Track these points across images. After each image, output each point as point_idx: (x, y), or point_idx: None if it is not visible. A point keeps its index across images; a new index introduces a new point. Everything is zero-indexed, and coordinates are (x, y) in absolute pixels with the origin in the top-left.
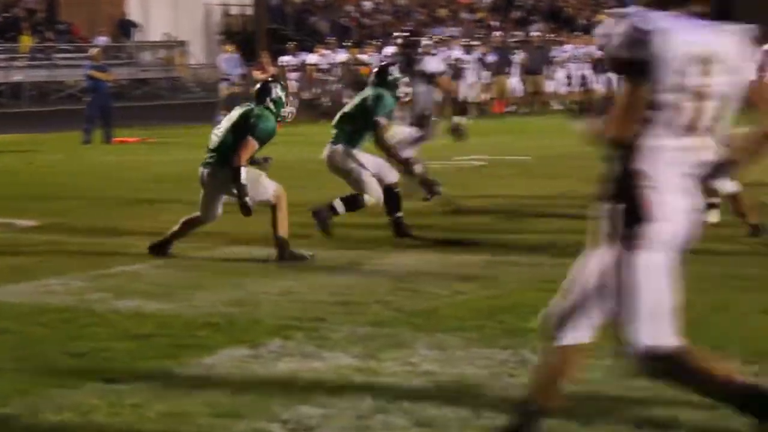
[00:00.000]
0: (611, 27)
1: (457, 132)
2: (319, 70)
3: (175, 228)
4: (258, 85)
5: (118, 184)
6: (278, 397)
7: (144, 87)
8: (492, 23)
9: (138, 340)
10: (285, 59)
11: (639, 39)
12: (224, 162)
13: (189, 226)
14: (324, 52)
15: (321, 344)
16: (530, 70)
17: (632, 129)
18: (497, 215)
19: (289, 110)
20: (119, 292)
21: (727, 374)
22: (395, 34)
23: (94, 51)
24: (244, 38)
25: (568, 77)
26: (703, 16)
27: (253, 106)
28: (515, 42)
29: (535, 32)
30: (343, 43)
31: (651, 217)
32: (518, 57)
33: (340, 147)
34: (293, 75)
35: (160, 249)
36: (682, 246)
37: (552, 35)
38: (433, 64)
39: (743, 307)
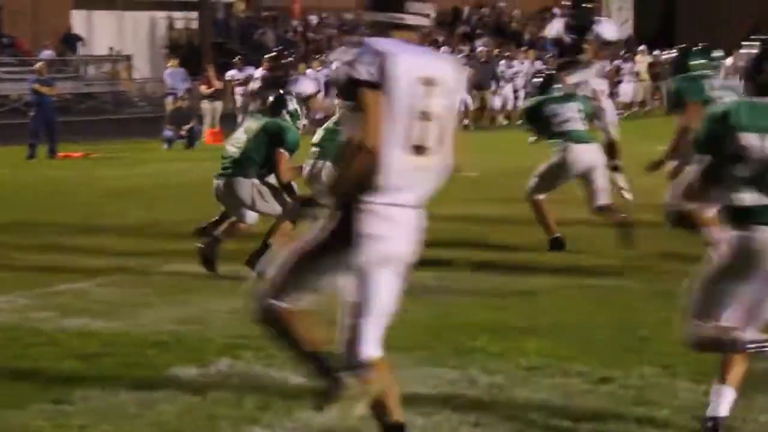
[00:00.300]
0: (345, 53)
1: None
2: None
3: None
4: (272, 98)
5: (63, 199)
6: (227, 418)
7: (89, 101)
8: (438, 38)
9: (85, 359)
10: (231, 73)
11: (372, 62)
12: (243, 173)
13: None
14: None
15: (269, 363)
16: (477, 86)
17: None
18: (442, 233)
19: (302, 122)
20: (65, 311)
21: (314, 345)
22: (265, 56)
23: (39, 65)
24: (190, 52)
25: (515, 92)
26: (418, 43)
27: (269, 118)
28: (461, 57)
29: (481, 47)
30: (290, 58)
31: (361, 234)
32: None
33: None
34: (239, 89)
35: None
36: (402, 261)
37: (498, 50)
38: (304, 85)
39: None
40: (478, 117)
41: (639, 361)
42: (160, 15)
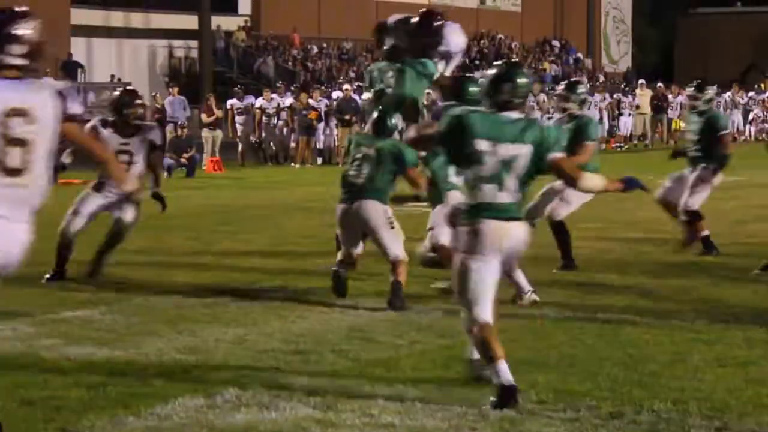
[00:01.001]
0: None
1: None
2: (266, 114)
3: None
4: (374, 117)
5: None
6: None
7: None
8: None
9: (90, 388)
10: (231, 102)
11: None
12: (370, 196)
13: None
14: (271, 95)
15: (278, 394)
16: None
17: None
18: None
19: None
20: (70, 338)
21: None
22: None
23: None
24: (189, 81)
25: None
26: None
27: (376, 141)
28: None
29: (481, 79)
30: (291, 88)
31: None
32: None
33: None
34: (239, 118)
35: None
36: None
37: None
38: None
39: (698, 361)
40: None
41: (649, 397)
42: (160, 43)
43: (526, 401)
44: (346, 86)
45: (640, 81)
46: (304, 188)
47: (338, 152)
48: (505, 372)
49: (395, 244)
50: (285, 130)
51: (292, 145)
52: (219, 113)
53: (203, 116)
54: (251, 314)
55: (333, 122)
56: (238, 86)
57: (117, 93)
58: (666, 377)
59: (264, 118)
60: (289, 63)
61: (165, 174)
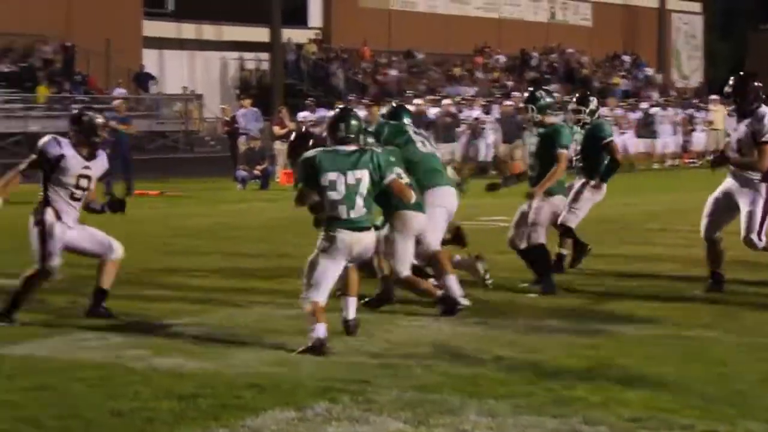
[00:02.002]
0: None
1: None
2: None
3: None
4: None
5: (142, 238)
6: None
7: (161, 139)
8: (506, 83)
9: (180, 399)
10: (303, 114)
11: None
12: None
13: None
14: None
15: (368, 408)
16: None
17: None
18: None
19: None
20: (157, 350)
21: None
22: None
23: (117, 103)
24: (261, 93)
25: None
26: None
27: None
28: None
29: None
30: (363, 100)
31: None
32: None
33: None
34: (312, 131)
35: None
36: None
37: (568, 96)
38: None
39: None
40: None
41: (742, 415)
42: (231, 56)
43: (618, 419)
44: (417, 100)
45: (713, 96)
46: None
47: None
48: (322, 329)
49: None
50: None
51: None
52: (291, 125)
53: (275, 128)
54: (337, 327)
55: None
56: (310, 99)
57: (89, 116)
58: (756, 396)
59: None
60: (359, 75)
61: (239, 186)
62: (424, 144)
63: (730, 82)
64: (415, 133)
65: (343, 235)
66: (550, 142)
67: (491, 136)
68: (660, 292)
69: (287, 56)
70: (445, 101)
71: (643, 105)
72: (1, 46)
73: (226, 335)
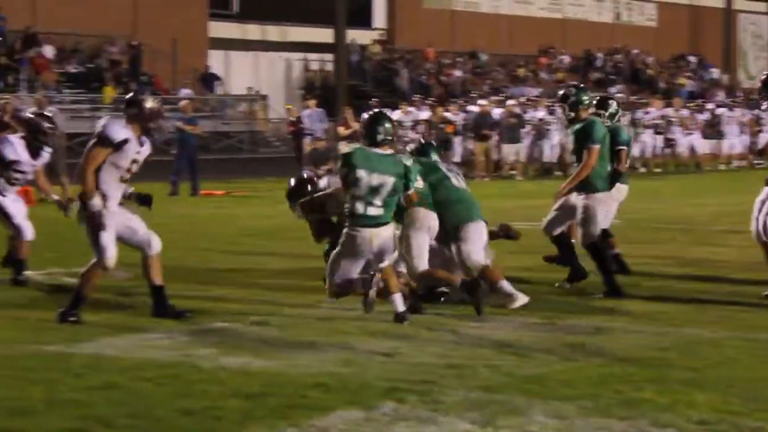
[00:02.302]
0: None
1: None
2: (403, 127)
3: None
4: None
5: (208, 237)
6: None
7: (226, 140)
8: (571, 84)
9: (249, 398)
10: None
11: None
12: None
13: None
14: (408, 109)
15: (435, 408)
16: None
17: None
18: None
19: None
20: (224, 349)
21: None
22: None
23: (183, 103)
24: (325, 93)
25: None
26: None
27: None
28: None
29: (616, 93)
30: (427, 101)
31: None
32: None
33: None
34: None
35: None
36: None
37: (634, 97)
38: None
39: None
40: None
41: None
42: (296, 57)
43: (687, 421)
44: (482, 101)
45: None
46: None
47: (475, 166)
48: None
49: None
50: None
51: None
52: (356, 126)
53: (340, 129)
54: (401, 327)
55: (468, 136)
56: (374, 99)
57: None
58: None
59: (400, 131)
60: (424, 77)
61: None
62: (457, 179)
63: None
64: (448, 169)
65: (362, 233)
66: (583, 136)
67: (556, 137)
68: (727, 294)
69: (351, 57)
70: (510, 102)
71: (710, 106)
72: (68, 46)
73: (293, 335)
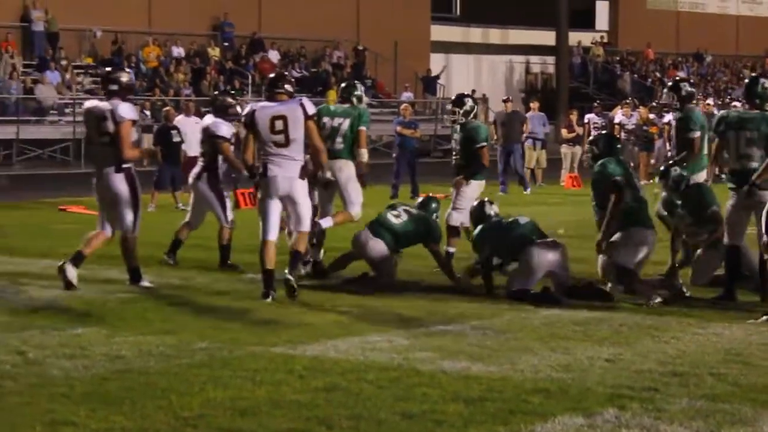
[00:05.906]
0: None
1: None
2: (625, 130)
3: None
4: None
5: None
6: None
7: (446, 143)
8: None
9: (468, 403)
10: (589, 117)
11: None
12: None
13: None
14: (631, 111)
15: (658, 416)
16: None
17: None
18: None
19: None
20: (444, 352)
21: None
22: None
23: (403, 107)
24: (545, 96)
25: None
26: None
27: None
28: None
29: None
30: (645, 103)
31: None
32: None
33: None
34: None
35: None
36: None
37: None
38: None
39: None
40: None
41: None
42: (517, 59)
43: None
44: (707, 101)
45: None
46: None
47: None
48: None
49: None
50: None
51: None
52: (579, 129)
53: (564, 131)
54: (623, 333)
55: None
56: (597, 102)
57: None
58: None
59: (623, 133)
60: (649, 80)
61: (525, 190)
62: (638, 181)
63: None
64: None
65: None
66: (683, 125)
67: None
68: None
69: (573, 59)
70: (735, 104)
71: None
72: (293, 51)
73: (512, 338)
